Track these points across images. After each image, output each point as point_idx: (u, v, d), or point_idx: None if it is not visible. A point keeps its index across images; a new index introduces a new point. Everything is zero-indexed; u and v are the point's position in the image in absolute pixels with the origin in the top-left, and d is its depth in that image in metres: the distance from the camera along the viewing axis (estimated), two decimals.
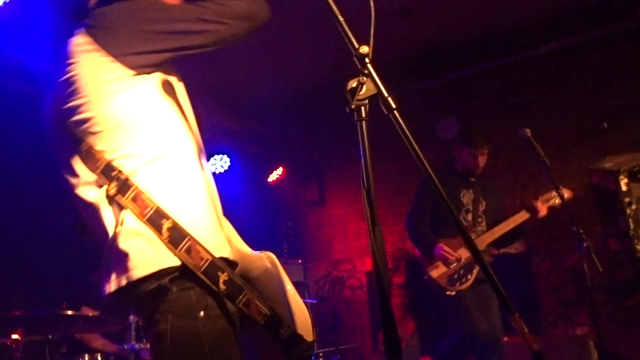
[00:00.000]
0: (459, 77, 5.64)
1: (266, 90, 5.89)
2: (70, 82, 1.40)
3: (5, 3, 3.55)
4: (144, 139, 1.39)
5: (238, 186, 6.35)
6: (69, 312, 2.92)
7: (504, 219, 3.68)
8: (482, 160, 3.75)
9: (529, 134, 3.11)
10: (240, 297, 1.36)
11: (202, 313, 1.33)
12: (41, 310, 2.96)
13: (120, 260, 1.33)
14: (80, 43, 1.42)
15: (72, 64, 1.41)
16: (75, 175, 1.45)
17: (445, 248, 3.56)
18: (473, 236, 3.62)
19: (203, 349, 1.32)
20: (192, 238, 1.33)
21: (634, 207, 3.74)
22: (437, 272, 3.61)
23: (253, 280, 1.53)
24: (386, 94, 1.17)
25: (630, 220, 3.73)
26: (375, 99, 1.21)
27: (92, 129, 1.39)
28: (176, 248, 1.32)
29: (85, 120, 1.39)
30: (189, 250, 1.33)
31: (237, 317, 1.41)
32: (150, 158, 1.39)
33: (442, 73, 5.67)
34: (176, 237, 1.32)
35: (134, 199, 1.35)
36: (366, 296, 6.03)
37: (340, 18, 1.21)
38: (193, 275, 1.33)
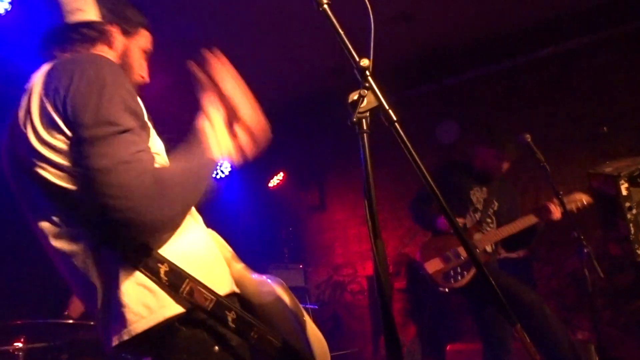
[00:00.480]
0: (459, 81, 5.66)
1: (266, 95, 5.88)
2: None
3: (6, 10, 3.57)
4: None
5: (239, 191, 6.37)
6: (71, 321, 2.92)
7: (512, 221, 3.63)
8: (505, 166, 3.70)
9: (529, 140, 3.11)
10: (252, 333, 1.32)
11: (216, 348, 1.29)
12: (43, 318, 2.97)
13: (118, 313, 1.21)
14: None
15: None
16: (51, 223, 1.28)
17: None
18: (478, 236, 3.56)
19: None
20: (192, 279, 1.26)
21: (634, 211, 3.73)
22: (432, 267, 3.51)
23: (261, 307, 1.46)
24: (387, 107, 1.18)
25: (630, 224, 3.72)
26: (377, 111, 1.21)
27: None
28: (177, 292, 1.24)
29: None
30: (191, 293, 1.25)
31: (248, 349, 1.36)
32: None
33: (441, 77, 5.69)
34: (176, 281, 1.24)
35: None
36: (367, 300, 6.03)
37: (341, 32, 1.22)
38: (200, 315, 1.28)
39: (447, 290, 3.52)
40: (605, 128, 4.77)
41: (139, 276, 1.23)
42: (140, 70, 1.57)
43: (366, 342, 5.89)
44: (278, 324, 1.42)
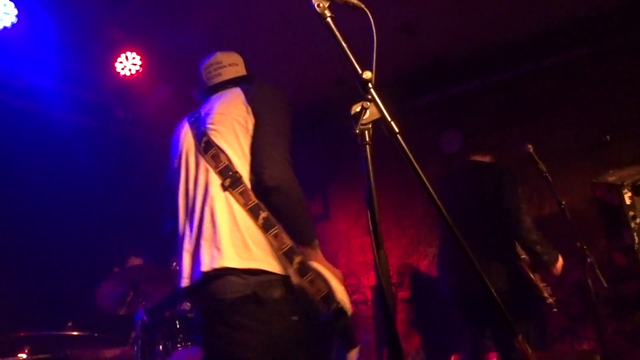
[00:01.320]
0: (461, 91, 5.67)
1: None
2: None
3: (13, 24, 3.61)
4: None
5: None
6: (75, 333, 2.94)
7: None
8: None
9: (531, 150, 3.12)
10: (309, 274, 1.82)
11: (294, 317, 1.79)
12: (46, 330, 2.98)
13: (243, 245, 1.82)
14: None
15: None
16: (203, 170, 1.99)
17: None
18: None
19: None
20: (279, 227, 1.85)
21: (638, 220, 3.74)
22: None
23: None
24: (389, 119, 1.19)
25: (634, 233, 3.72)
26: (379, 123, 1.23)
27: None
28: (267, 232, 1.83)
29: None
30: (276, 236, 1.83)
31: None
32: None
33: (444, 87, 5.71)
34: (268, 225, 1.83)
35: (241, 193, 1.86)
36: (371, 311, 6.01)
37: (344, 44, 1.23)
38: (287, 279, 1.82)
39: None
40: (608, 137, 4.77)
41: (245, 217, 1.91)
42: None
43: (370, 353, 5.86)
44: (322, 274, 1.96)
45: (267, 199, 1.87)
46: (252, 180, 1.91)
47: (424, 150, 5.73)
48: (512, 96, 5.40)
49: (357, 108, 1.20)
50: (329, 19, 1.26)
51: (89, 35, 4.29)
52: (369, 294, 6.06)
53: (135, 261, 3.78)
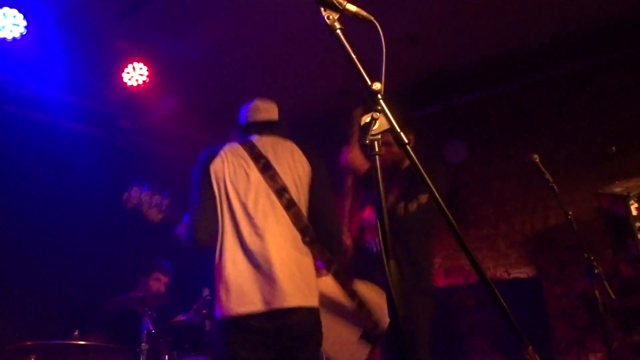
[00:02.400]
0: (467, 101, 5.68)
1: None
2: None
3: (22, 35, 3.65)
4: None
5: None
6: (81, 342, 2.94)
7: None
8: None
9: (537, 160, 3.10)
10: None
11: None
12: (53, 339, 2.99)
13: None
14: None
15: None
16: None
17: None
18: None
19: None
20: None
21: None
22: None
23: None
24: (398, 130, 1.20)
25: None
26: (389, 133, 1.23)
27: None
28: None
29: None
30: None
31: None
32: None
33: (449, 98, 5.72)
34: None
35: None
36: None
37: (353, 56, 1.24)
38: None
39: None
40: (614, 148, 4.76)
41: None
42: None
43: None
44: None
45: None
46: (319, 236, 2.37)
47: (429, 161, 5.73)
48: (518, 106, 5.40)
49: (366, 119, 1.21)
50: (338, 31, 1.27)
51: (97, 46, 4.33)
52: None
53: (158, 281, 3.98)
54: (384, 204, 1.19)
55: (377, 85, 1.22)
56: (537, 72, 5.22)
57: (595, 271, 2.95)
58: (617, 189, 3.87)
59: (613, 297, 2.93)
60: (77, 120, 4.88)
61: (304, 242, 2.30)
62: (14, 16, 3.64)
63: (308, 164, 2.47)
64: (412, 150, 1.21)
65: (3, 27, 3.64)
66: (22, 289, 4.13)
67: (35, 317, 4.03)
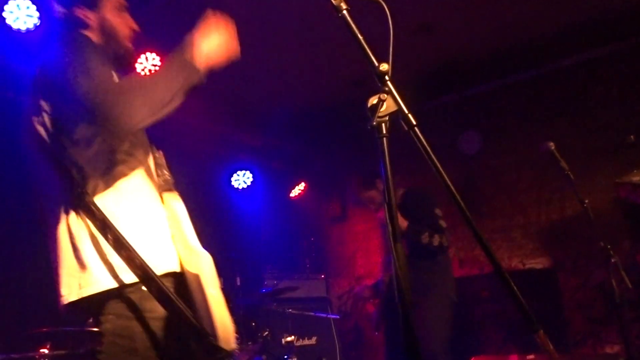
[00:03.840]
0: (481, 91, 5.62)
1: (287, 106, 5.94)
2: None
3: (36, 25, 3.67)
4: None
5: (260, 202, 6.40)
6: (95, 329, 2.97)
7: None
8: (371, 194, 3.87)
9: (553, 148, 3.05)
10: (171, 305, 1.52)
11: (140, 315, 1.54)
12: (67, 326, 3.03)
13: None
14: None
15: None
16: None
17: None
18: None
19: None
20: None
21: None
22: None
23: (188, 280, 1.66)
24: (406, 111, 1.18)
25: None
26: (396, 115, 1.22)
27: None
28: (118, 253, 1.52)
29: None
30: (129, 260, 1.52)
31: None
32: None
33: (463, 87, 5.66)
34: (119, 247, 1.52)
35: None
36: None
37: (360, 37, 1.22)
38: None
39: None
40: (632, 137, 4.67)
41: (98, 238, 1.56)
42: (125, 30, 1.87)
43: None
44: (196, 300, 1.62)
45: None
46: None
47: (442, 152, 5.69)
48: (533, 96, 5.33)
49: (374, 100, 1.20)
50: (344, 12, 1.25)
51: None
52: None
53: None
54: (391, 187, 1.17)
55: (384, 66, 1.20)
56: (553, 61, 5.14)
57: (612, 260, 2.90)
58: (635, 178, 3.80)
59: (630, 286, 2.89)
60: None
61: None
62: (27, 7, 3.66)
63: None
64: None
65: (17, 18, 3.66)
66: (38, 276, 4.19)
67: (50, 306, 4.08)
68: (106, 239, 1.52)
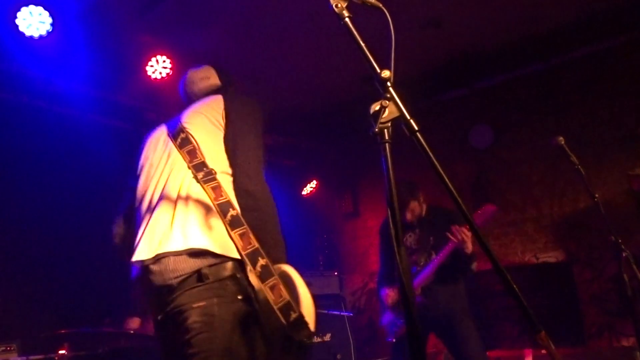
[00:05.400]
0: (491, 84, 5.59)
1: (298, 103, 5.96)
2: None
3: (48, 32, 3.73)
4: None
5: (273, 200, 6.43)
6: (112, 330, 3.03)
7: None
8: (412, 207, 3.60)
9: (562, 142, 3.03)
10: (270, 279, 1.66)
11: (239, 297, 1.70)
12: (86, 328, 3.09)
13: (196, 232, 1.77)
14: None
15: None
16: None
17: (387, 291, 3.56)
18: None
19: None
20: (247, 228, 1.75)
21: None
22: (385, 319, 3.61)
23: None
24: (408, 117, 1.20)
25: None
26: (398, 121, 1.23)
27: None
28: (232, 229, 1.73)
29: None
30: (242, 235, 1.73)
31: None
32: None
33: (473, 81, 5.64)
34: (235, 223, 1.74)
35: (214, 189, 1.81)
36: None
37: (362, 44, 1.24)
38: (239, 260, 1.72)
39: (393, 340, 3.55)
40: None
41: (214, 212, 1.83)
42: None
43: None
44: (287, 284, 1.74)
45: (244, 205, 1.85)
46: (233, 182, 1.92)
47: (453, 146, 5.68)
48: (544, 89, 5.29)
49: (376, 107, 1.21)
50: (347, 19, 1.27)
51: (120, 41, 4.40)
52: None
53: (133, 324, 3.79)
54: (394, 192, 1.19)
55: (386, 73, 1.21)
56: (563, 54, 5.10)
57: (623, 254, 2.89)
58: None
59: None
60: (103, 114, 4.98)
61: (216, 204, 1.86)
62: (40, 14, 3.72)
63: (222, 114, 2.04)
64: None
65: (30, 25, 3.72)
66: (56, 279, 4.27)
67: (69, 308, 4.16)
68: (225, 215, 1.76)
